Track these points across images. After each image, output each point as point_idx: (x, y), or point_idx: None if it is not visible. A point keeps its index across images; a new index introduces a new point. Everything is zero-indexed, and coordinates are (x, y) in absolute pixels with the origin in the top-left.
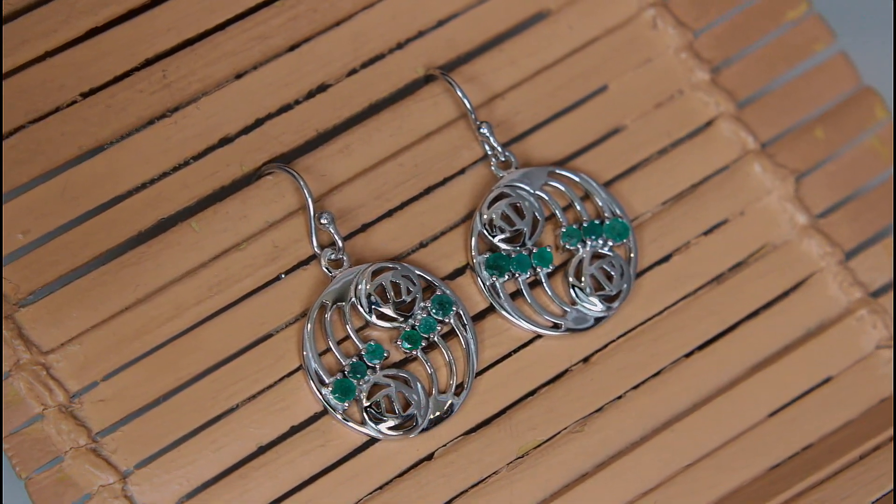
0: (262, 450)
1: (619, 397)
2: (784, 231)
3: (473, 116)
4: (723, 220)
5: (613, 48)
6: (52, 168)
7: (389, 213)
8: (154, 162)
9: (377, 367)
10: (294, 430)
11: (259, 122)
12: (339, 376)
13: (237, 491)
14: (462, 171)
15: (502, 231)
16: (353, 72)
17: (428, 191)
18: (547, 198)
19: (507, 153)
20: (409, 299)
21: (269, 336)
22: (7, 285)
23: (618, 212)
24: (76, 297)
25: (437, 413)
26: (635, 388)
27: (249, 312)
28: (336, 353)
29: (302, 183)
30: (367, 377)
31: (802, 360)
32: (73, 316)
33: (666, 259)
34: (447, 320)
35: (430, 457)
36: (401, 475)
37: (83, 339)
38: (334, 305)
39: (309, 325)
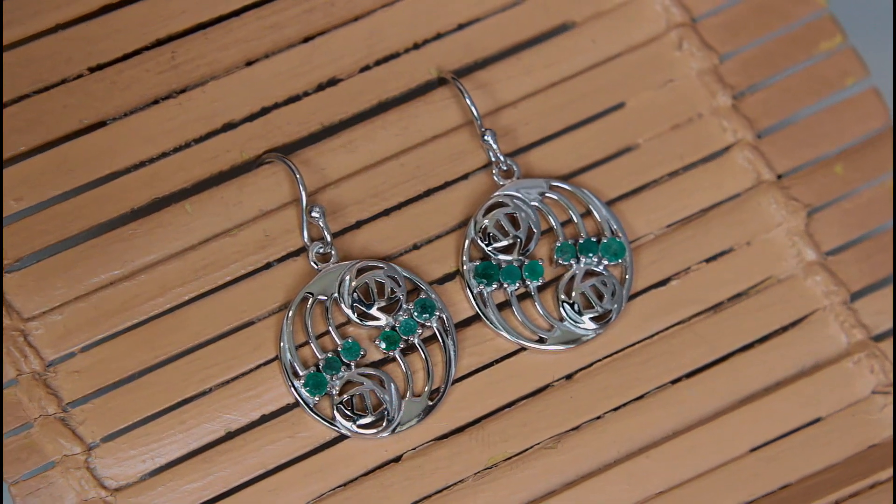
0: (230, 435)
1: (598, 417)
2: (790, 265)
3: (479, 123)
4: (727, 249)
5: (635, 65)
6: (53, 139)
7: (386, 213)
8: (154, 141)
9: (352, 364)
10: (264, 419)
11: (265, 111)
12: (312, 370)
13: (200, 473)
14: (465, 177)
15: (495, 240)
16: (365, 68)
17: (427, 193)
18: (546, 210)
19: (509, 162)
20: (392, 300)
21: (250, 323)
22: None
23: (617, 231)
24: (62, 268)
25: (409, 416)
26: (615, 409)
27: (232, 298)
28: (313, 347)
29: (297, 174)
30: (340, 373)
31: (792, 397)
32: (58, 286)
33: (663, 283)
34: (429, 324)
35: (398, 459)
36: (366, 474)
37: (65, 309)
38: (316, 299)
39: (289, 317)
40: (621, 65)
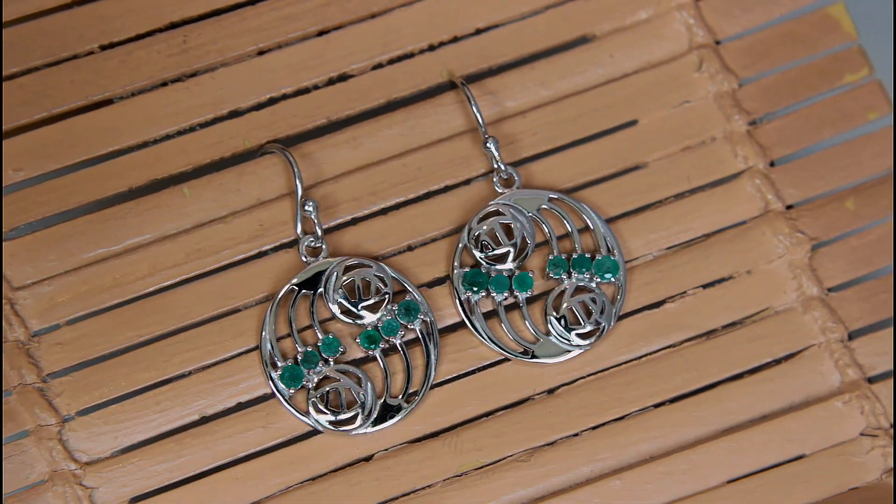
0: (204, 420)
1: (575, 435)
2: (789, 298)
3: (483, 130)
4: (727, 276)
5: (651, 83)
6: (58, 113)
7: (384, 212)
8: (158, 123)
9: (331, 360)
10: (240, 407)
11: (272, 101)
12: (290, 362)
13: (171, 455)
14: (467, 182)
15: (488, 248)
16: (377, 66)
17: (426, 196)
18: (542, 222)
19: (510, 171)
20: (377, 299)
21: (235, 311)
22: None
23: (613, 248)
24: (56, 241)
25: (384, 416)
26: (594, 428)
27: (221, 285)
28: (294, 339)
29: (294, 167)
30: (318, 368)
31: (777, 431)
32: (50, 258)
33: (657, 305)
34: (412, 326)
35: (368, 458)
36: (335, 471)
37: (55, 281)
38: (301, 292)
39: (272, 308)
40: (637, 82)
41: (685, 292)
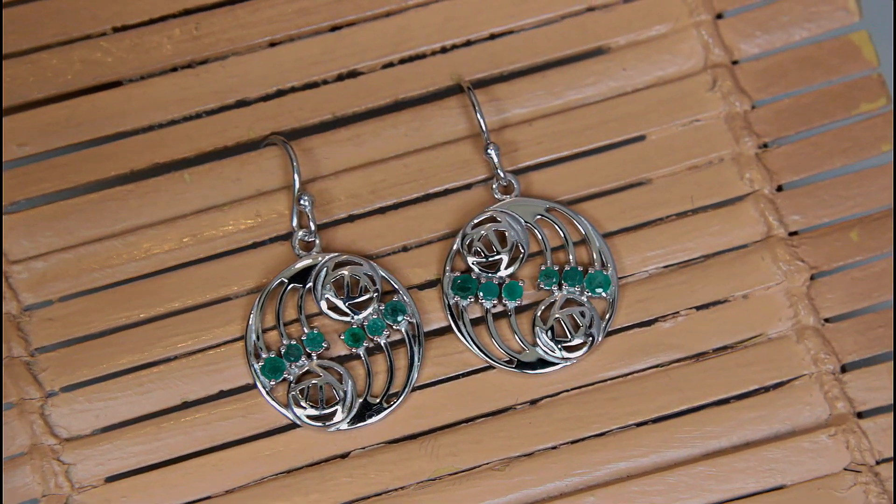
0: (185, 405)
1: (553, 448)
2: (783, 326)
3: (486, 136)
4: (722, 299)
5: (662, 99)
6: (66, 92)
7: (382, 211)
8: (165, 108)
9: (314, 355)
10: (222, 395)
11: (280, 94)
12: (273, 354)
13: (149, 437)
14: (468, 187)
15: (479, 254)
16: (388, 65)
17: (426, 198)
18: (538, 232)
19: (510, 178)
20: (364, 298)
21: (226, 299)
22: None
23: (607, 263)
24: (55, 218)
25: (362, 415)
26: (573, 442)
27: (213, 272)
28: (280, 332)
29: (293, 160)
30: (300, 362)
31: (759, 460)
32: (47, 234)
33: (648, 323)
34: (397, 327)
35: (345, 455)
36: (310, 465)
37: (50, 257)
38: (291, 286)
39: (261, 299)
40: (648, 97)
41: (678, 312)
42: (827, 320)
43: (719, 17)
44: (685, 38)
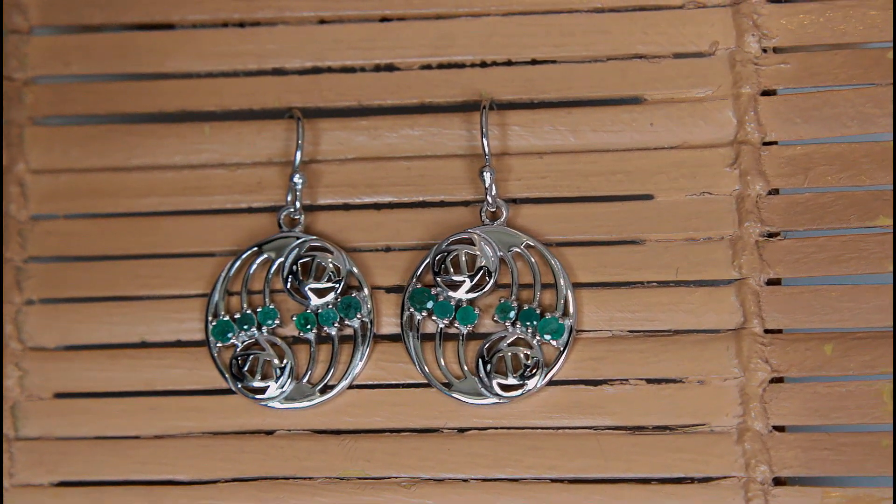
0: (143, 344)
1: (465, 480)
2: (728, 422)
3: (487, 158)
4: (676, 378)
5: (679, 163)
6: (118, 23)
7: (377, 207)
8: (205, 59)
9: (265, 328)
10: (178, 344)
11: (316, 70)
12: (226, 317)
13: (101, 367)
14: (465, 203)
15: (446, 273)
16: (426, 67)
17: (420, 204)
18: (510, 265)
19: (500, 203)
20: (325, 286)
21: (209, 255)
22: (25, 102)
23: (569, 313)
24: (80, 139)
25: (294, 398)
26: (484, 480)
27: (203, 226)
28: (241, 298)
29: (299, 137)
30: (251, 332)
31: None
32: (70, 153)
33: (594, 383)
34: (349, 323)
35: (270, 433)
36: (233, 433)
37: (67, 175)
38: (264, 256)
39: (234, 263)
40: (666, 157)
41: (627, 380)
42: (777, 428)
43: (765, 93)
44: (722, 107)
